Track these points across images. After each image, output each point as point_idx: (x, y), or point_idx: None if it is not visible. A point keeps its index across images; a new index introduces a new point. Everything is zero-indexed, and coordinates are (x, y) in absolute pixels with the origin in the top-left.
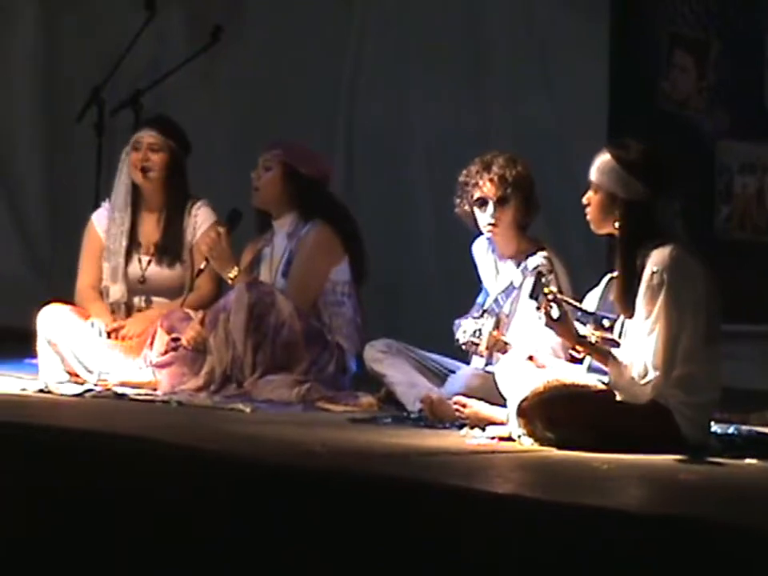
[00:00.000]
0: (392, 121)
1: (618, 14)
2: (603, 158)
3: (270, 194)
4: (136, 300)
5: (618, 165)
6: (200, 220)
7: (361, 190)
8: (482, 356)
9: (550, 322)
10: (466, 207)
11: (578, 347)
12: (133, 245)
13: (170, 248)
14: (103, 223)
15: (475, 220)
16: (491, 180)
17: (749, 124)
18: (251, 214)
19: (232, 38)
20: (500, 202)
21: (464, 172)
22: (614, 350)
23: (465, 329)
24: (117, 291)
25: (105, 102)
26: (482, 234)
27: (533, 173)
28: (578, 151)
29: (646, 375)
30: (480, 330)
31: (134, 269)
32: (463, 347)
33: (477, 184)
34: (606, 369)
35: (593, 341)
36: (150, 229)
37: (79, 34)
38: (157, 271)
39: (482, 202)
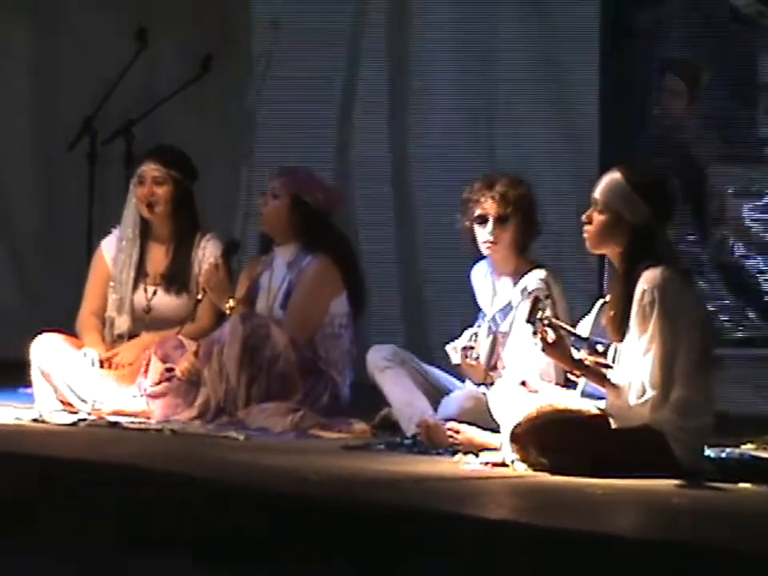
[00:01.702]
0: (387, 146)
1: (609, 39)
2: (614, 179)
3: (276, 221)
4: (142, 333)
5: (630, 188)
6: (208, 252)
7: (358, 209)
8: (476, 359)
9: (546, 347)
10: (467, 223)
11: (574, 371)
12: (140, 275)
13: (177, 278)
14: (112, 251)
15: (474, 238)
16: (493, 198)
17: (741, 147)
18: (248, 241)
19: (223, 67)
20: (500, 221)
21: (467, 188)
22: (609, 373)
23: (461, 337)
24: (123, 323)
25: (97, 131)
26: (480, 253)
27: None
28: (570, 176)
29: (643, 395)
30: (476, 333)
31: (140, 299)
32: (460, 355)
33: (478, 201)
34: (601, 392)
35: (588, 364)
36: (158, 259)
37: (71, 63)
38: (164, 302)
39: (482, 219)
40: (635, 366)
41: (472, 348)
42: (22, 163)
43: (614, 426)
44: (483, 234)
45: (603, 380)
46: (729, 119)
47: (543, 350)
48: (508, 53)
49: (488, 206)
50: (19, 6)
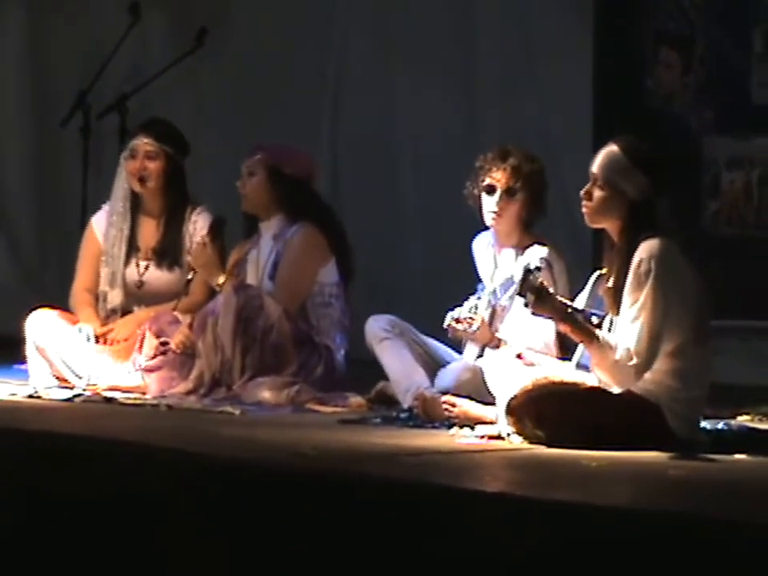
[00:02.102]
0: (378, 122)
1: (603, 12)
2: (612, 152)
3: (257, 198)
4: (134, 307)
5: (628, 160)
6: (199, 226)
7: (347, 192)
8: (473, 335)
9: (537, 303)
10: (475, 191)
11: (563, 325)
12: (131, 249)
13: (168, 252)
14: (103, 226)
15: (480, 207)
16: (504, 169)
17: (735, 119)
18: (238, 218)
19: (217, 41)
20: (508, 193)
21: (481, 156)
22: (598, 333)
23: (461, 308)
24: (116, 297)
25: (91, 106)
26: (484, 229)
27: None
28: (563, 150)
29: (629, 360)
30: (476, 306)
31: (132, 273)
32: (452, 330)
33: (490, 170)
34: (589, 352)
35: (579, 318)
36: (149, 234)
37: (65, 38)
38: (155, 276)
39: (491, 189)
40: (623, 331)
41: (472, 319)
42: (15, 139)
43: (596, 384)
44: (490, 204)
45: (591, 337)
46: (723, 91)
47: (534, 311)
48: (501, 27)
49: (498, 176)
50: None
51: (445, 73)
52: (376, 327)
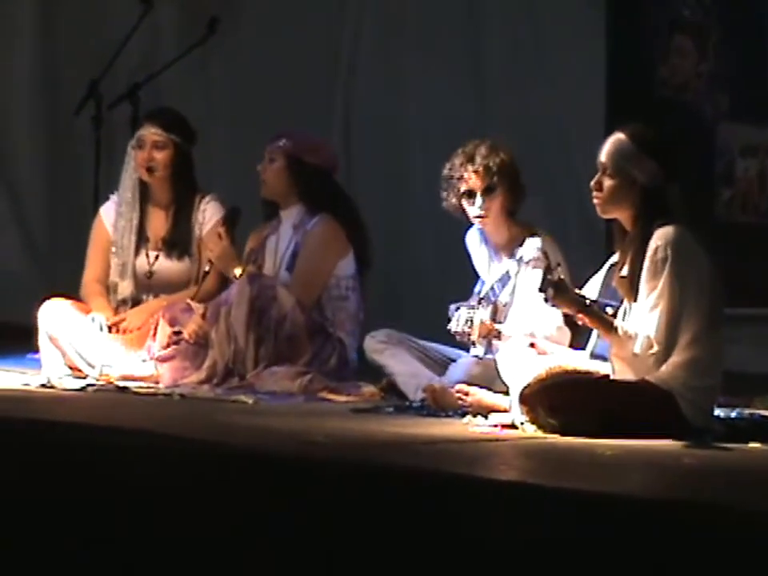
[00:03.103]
0: (390, 110)
1: (615, 0)
2: (620, 140)
3: (276, 185)
4: (144, 297)
5: (636, 147)
6: (208, 214)
7: (359, 180)
8: (474, 346)
9: (556, 297)
10: (454, 201)
11: (581, 316)
12: (141, 240)
13: (178, 242)
14: (111, 216)
15: (464, 212)
16: (476, 172)
17: (750, 107)
18: (256, 204)
19: (228, 30)
20: (487, 192)
21: (447, 165)
22: (617, 321)
23: (458, 319)
24: (126, 287)
25: (102, 95)
26: (472, 225)
27: (530, 160)
28: (576, 138)
29: (649, 349)
30: (471, 319)
31: (142, 264)
32: (456, 337)
33: (462, 177)
34: (609, 342)
35: (597, 310)
36: (159, 224)
37: (76, 27)
38: (165, 266)
39: (470, 194)
40: (642, 320)
41: (468, 334)
42: (28, 128)
43: (613, 376)
44: (473, 210)
45: (610, 328)
46: (737, 78)
47: (552, 303)
48: (512, 14)
49: (473, 180)
50: None
51: (455, 60)
52: (374, 342)
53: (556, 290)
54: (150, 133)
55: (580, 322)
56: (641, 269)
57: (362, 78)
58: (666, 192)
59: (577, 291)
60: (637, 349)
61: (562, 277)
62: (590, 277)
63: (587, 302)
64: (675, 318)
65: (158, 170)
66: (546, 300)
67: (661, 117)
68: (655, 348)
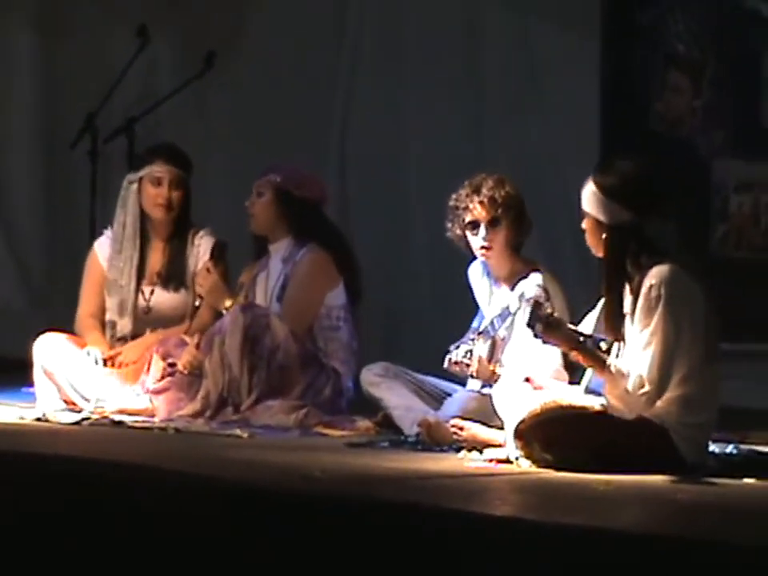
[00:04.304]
0: (386, 145)
1: (610, 34)
2: (588, 188)
3: (265, 218)
4: (142, 333)
5: (597, 191)
6: (203, 249)
7: (355, 214)
8: (472, 377)
9: (546, 331)
10: (458, 231)
11: (575, 354)
12: (139, 276)
13: (173, 275)
14: (105, 252)
15: (468, 244)
16: (481, 203)
17: (744, 142)
18: (246, 240)
19: (225, 64)
20: (491, 224)
21: (453, 196)
22: (610, 359)
23: (456, 352)
24: (126, 325)
25: (99, 129)
26: (475, 257)
27: (526, 193)
28: (570, 172)
29: (641, 388)
30: (471, 351)
31: (139, 300)
32: (454, 368)
33: (467, 207)
34: (602, 379)
35: (590, 345)
36: (155, 258)
37: (74, 60)
38: (162, 300)
39: (474, 225)
40: (635, 358)
41: (467, 365)
42: (24, 161)
43: (610, 412)
44: (477, 241)
45: (603, 366)
46: (732, 114)
47: (545, 340)
48: (506, 44)
49: (477, 211)
50: (21, 4)
51: (452, 91)
52: (370, 375)
53: (546, 325)
54: (166, 170)
55: (573, 359)
56: (613, 307)
57: (359, 111)
58: (641, 230)
59: (571, 327)
60: (629, 387)
61: (552, 312)
62: (587, 313)
63: (580, 338)
64: (668, 358)
65: (174, 208)
66: (536, 335)
67: (655, 152)
68: (647, 387)
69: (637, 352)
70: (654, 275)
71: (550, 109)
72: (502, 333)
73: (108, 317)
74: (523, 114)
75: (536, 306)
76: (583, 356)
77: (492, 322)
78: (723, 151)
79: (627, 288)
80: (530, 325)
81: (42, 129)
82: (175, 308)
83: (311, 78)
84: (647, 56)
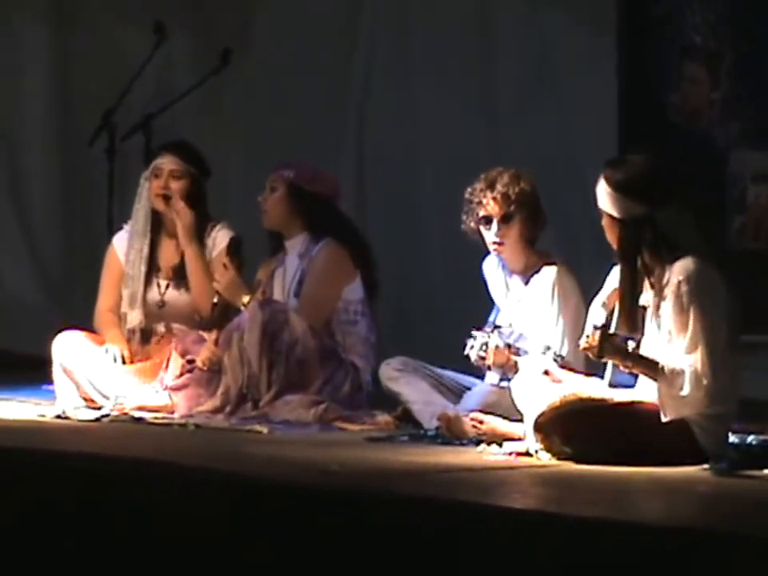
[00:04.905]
0: (401, 141)
1: (627, 28)
2: (600, 184)
3: (277, 214)
4: (155, 327)
5: (608, 187)
6: (218, 242)
7: (371, 211)
8: (489, 370)
9: (602, 349)
10: (472, 224)
11: (626, 364)
12: (152, 270)
13: (186, 274)
14: (124, 247)
15: (481, 237)
16: (494, 198)
17: (762, 133)
18: (262, 236)
19: (241, 61)
20: (504, 220)
21: (469, 189)
22: (662, 362)
23: (473, 343)
24: (135, 317)
25: (116, 126)
26: (489, 251)
27: (543, 188)
28: (588, 166)
29: (698, 385)
30: (486, 344)
31: (153, 294)
32: (472, 361)
33: (480, 202)
34: (630, 381)
35: (641, 355)
36: (170, 253)
37: (90, 58)
38: (176, 295)
39: (487, 220)
40: (685, 356)
41: (483, 359)
42: (42, 159)
43: (665, 418)
44: (490, 235)
45: (656, 371)
46: (749, 105)
47: (599, 356)
48: (521, 42)
49: (491, 207)
50: (38, 2)
51: (468, 91)
52: (389, 369)
53: (606, 347)
54: (168, 161)
55: (626, 371)
56: (629, 303)
57: (375, 108)
58: (655, 223)
59: (618, 339)
60: (687, 388)
61: (609, 329)
62: (591, 299)
63: (628, 348)
64: (716, 348)
65: (173, 198)
66: (600, 357)
67: (673, 143)
68: (705, 381)
69: (685, 350)
70: (680, 271)
71: (566, 103)
72: (517, 325)
73: (122, 309)
74: (539, 110)
75: (603, 328)
76: (635, 365)
77: (507, 314)
78: (740, 142)
79: (646, 282)
80: (599, 355)
81: (59, 126)
82: (190, 304)
83: (326, 75)
84: (663, 48)
